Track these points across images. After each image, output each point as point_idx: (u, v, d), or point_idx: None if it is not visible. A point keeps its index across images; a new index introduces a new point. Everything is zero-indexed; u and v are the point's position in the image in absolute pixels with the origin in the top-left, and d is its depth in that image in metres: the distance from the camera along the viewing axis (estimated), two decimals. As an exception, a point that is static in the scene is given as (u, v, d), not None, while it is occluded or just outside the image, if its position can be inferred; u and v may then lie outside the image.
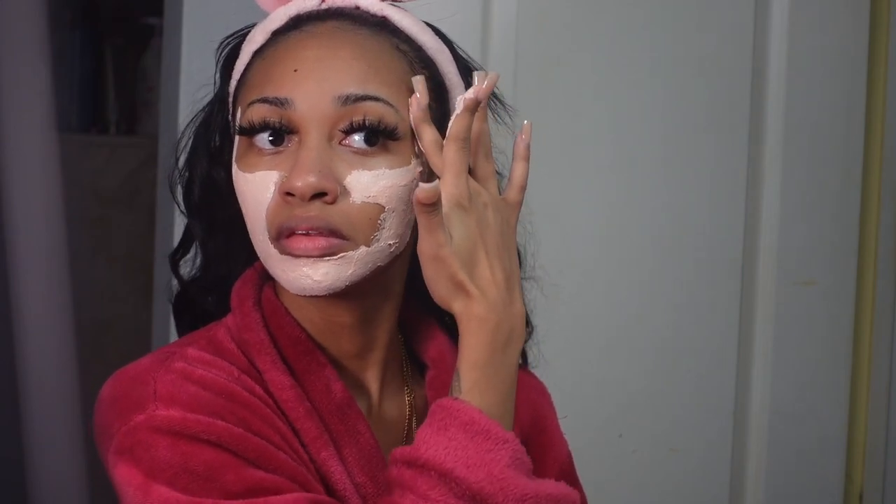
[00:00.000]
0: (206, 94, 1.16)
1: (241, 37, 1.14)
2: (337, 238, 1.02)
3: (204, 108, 1.16)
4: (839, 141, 2.02)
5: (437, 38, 1.11)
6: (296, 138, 1.04)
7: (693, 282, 1.96)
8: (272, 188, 1.03)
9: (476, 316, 1.01)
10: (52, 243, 1.83)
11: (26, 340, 1.84)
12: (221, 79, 1.14)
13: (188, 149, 1.15)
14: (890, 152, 2.03)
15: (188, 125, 1.16)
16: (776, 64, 1.96)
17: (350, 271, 1.03)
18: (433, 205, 0.98)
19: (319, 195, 1.02)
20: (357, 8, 1.09)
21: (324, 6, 1.09)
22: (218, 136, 1.13)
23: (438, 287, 1.01)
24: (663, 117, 1.93)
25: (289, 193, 1.02)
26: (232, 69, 1.12)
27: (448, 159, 1.01)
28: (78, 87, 2.86)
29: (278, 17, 1.09)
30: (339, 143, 1.04)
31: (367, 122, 1.03)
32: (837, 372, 2.04)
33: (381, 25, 1.08)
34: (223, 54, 1.14)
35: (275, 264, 1.05)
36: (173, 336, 1.21)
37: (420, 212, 0.99)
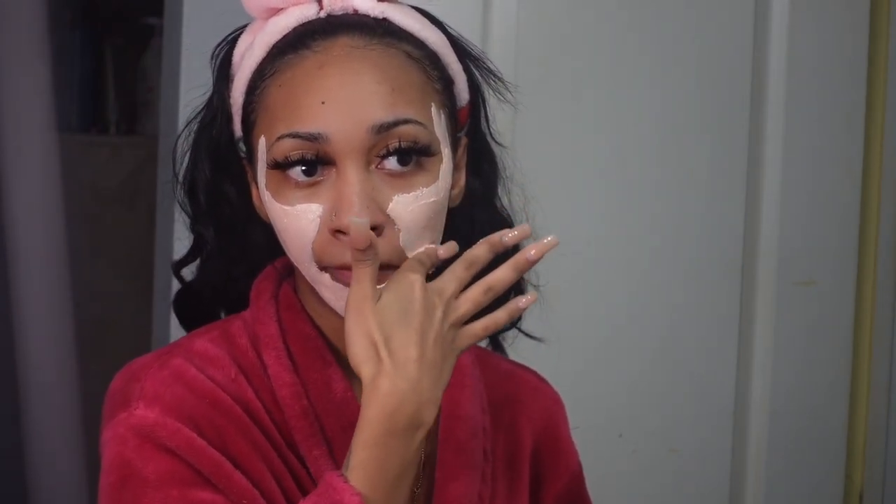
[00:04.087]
0: (203, 95, 1.16)
1: (231, 42, 1.13)
2: (388, 270, 1.03)
3: (198, 113, 1.15)
4: (839, 141, 2.02)
5: (434, 27, 1.11)
6: (332, 169, 1.04)
7: (693, 282, 1.96)
8: (316, 222, 1.04)
9: (379, 389, 0.97)
10: (51, 243, 1.83)
11: (26, 340, 1.84)
12: (218, 86, 1.13)
13: (188, 157, 1.15)
14: (890, 152, 2.03)
15: (180, 135, 1.16)
16: (776, 64, 1.96)
17: None
18: (367, 251, 0.98)
19: None
20: (356, 12, 1.08)
21: (323, 13, 1.08)
22: (223, 146, 1.13)
23: (353, 343, 0.99)
24: (663, 117, 1.93)
25: (339, 231, 1.02)
26: (227, 76, 1.11)
27: (418, 257, 1.01)
28: (78, 87, 2.86)
29: (278, 30, 1.08)
30: (376, 167, 1.04)
31: (402, 145, 1.03)
32: (837, 372, 2.04)
33: (387, 31, 1.07)
34: (218, 63, 1.14)
35: (325, 289, 1.06)
36: (173, 336, 1.22)
37: (353, 255, 0.98)
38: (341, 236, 1.03)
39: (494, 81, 1.17)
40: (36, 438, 1.79)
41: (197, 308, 1.20)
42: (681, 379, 1.95)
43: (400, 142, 1.03)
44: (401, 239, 1.03)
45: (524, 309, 1.04)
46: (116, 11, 2.91)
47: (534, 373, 1.26)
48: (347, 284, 1.03)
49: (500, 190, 1.19)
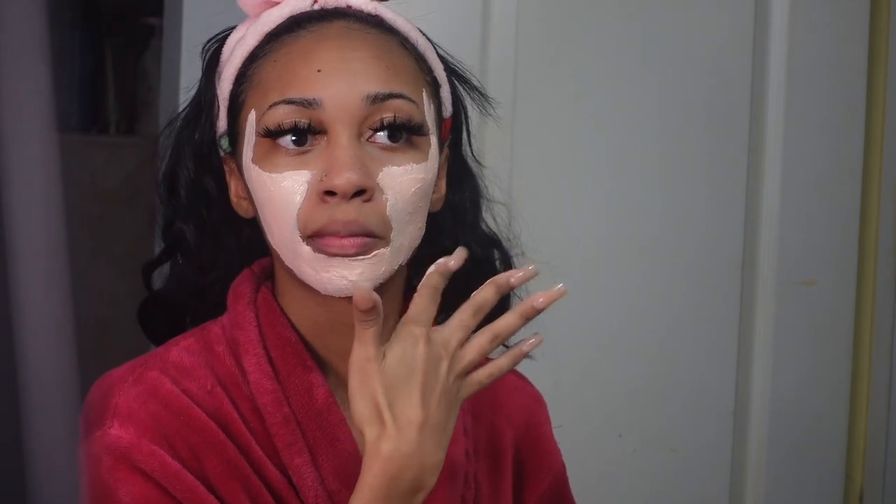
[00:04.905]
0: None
1: (221, 40, 1.14)
2: (371, 238, 1.03)
3: (182, 111, 1.15)
4: (839, 141, 2.02)
5: (422, 35, 1.12)
6: (323, 138, 1.04)
7: (693, 281, 1.96)
8: (304, 187, 1.03)
9: (381, 454, 0.96)
10: (52, 243, 1.82)
11: (26, 340, 1.84)
12: (206, 82, 1.13)
13: (170, 153, 1.15)
14: (890, 152, 2.03)
15: (164, 129, 1.15)
16: (776, 64, 1.96)
17: (383, 269, 1.04)
18: (369, 312, 0.97)
19: (358, 193, 1.02)
20: (349, 7, 1.09)
21: (317, 6, 1.09)
22: (206, 142, 1.13)
23: (357, 403, 0.98)
24: (663, 117, 1.93)
25: (328, 192, 1.02)
26: (216, 71, 1.12)
27: (431, 282, 0.99)
28: (78, 87, 2.86)
29: (271, 20, 1.09)
30: (368, 140, 1.04)
31: (397, 119, 1.04)
32: (837, 372, 2.04)
33: (379, 23, 1.09)
34: (207, 57, 1.14)
35: (304, 263, 1.04)
36: (173, 336, 1.21)
37: (356, 316, 0.97)
38: (329, 198, 1.02)
39: (478, 97, 1.17)
40: (35, 438, 1.78)
41: (163, 318, 1.18)
42: (681, 379, 1.95)
43: (395, 116, 1.04)
44: (388, 209, 1.03)
45: (527, 353, 1.02)
46: (116, 11, 2.91)
47: (514, 371, 1.24)
48: (329, 254, 1.02)
49: (483, 209, 1.19)
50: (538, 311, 1.02)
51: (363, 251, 1.02)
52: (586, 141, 1.89)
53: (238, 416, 1.06)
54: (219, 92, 1.11)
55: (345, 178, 1.01)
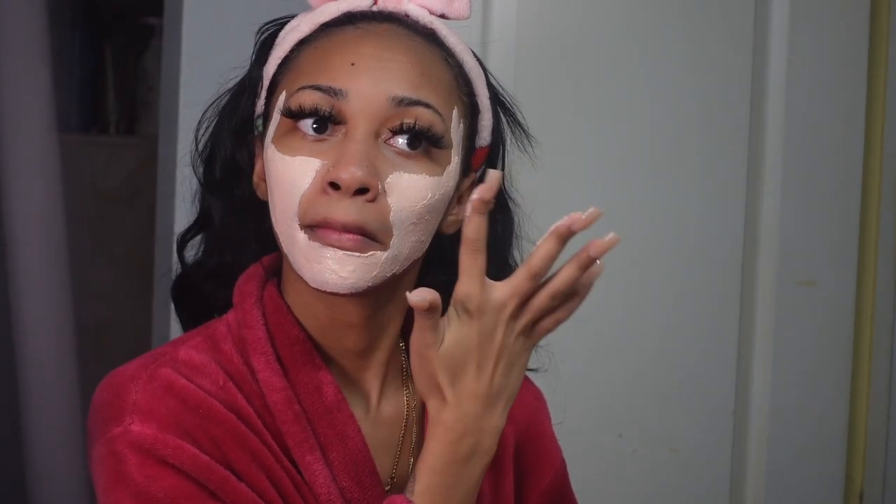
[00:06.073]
0: (219, 85, 1.17)
1: (280, 24, 1.14)
2: (370, 239, 1.03)
3: (231, 89, 1.16)
4: (839, 141, 2.02)
5: (475, 60, 1.13)
6: (342, 129, 1.04)
7: (693, 281, 1.96)
8: (312, 175, 1.03)
9: (442, 422, 1.00)
10: (52, 243, 1.83)
11: (26, 340, 1.84)
12: (255, 62, 1.14)
13: (212, 127, 1.16)
14: (890, 152, 2.03)
15: (212, 105, 1.16)
16: (776, 64, 1.97)
17: (375, 273, 1.03)
18: (427, 311, 0.97)
19: (361, 191, 1.02)
20: (407, 16, 1.10)
21: (376, 7, 1.10)
22: (244, 119, 1.14)
23: (419, 380, 1.01)
24: (663, 117, 1.93)
25: (332, 184, 1.02)
26: (267, 54, 1.12)
27: (461, 260, 0.99)
28: (78, 87, 2.86)
29: (328, 12, 1.10)
30: (385, 141, 1.04)
31: (417, 125, 1.04)
32: (837, 372, 2.04)
33: (431, 37, 1.10)
34: (261, 39, 1.15)
35: (299, 251, 1.04)
36: (173, 335, 1.21)
37: (416, 311, 0.98)
38: (332, 191, 1.02)
39: (520, 132, 1.17)
40: (36, 438, 1.79)
41: (190, 299, 1.18)
42: (681, 379, 1.95)
43: (416, 122, 1.04)
44: (392, 214, 1.03)
45: (594, 280, 1.04)
46: (116, 11, 2.90)
47: None
48: (324, 243, 1.02)
49: (514, 245, 1.18)
50: (594, 260, 1.03)
51: (360, 248, 1.02)
52: (586, 141, 1.89)
53: (253, 410, 1.07)
54: (264, 73, 1.12)
55: (349, 173, 1.01)
